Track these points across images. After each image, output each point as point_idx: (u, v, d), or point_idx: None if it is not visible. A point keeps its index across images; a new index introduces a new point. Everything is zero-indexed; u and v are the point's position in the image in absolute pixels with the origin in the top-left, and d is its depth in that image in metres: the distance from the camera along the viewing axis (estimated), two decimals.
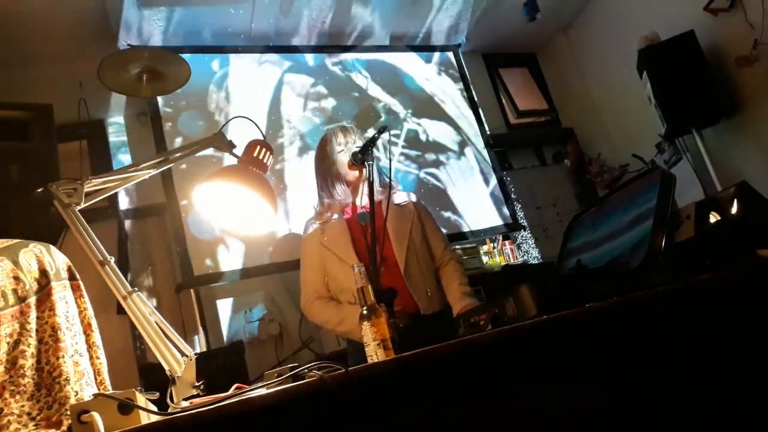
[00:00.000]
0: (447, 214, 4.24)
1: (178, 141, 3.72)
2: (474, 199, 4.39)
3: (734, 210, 1.58)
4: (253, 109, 3.99)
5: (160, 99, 3.73)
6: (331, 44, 4.41)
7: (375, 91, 4.43)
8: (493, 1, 4.48)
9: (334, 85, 4.30)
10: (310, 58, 4.32)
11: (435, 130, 4.50)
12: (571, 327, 1.29)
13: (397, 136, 4.34)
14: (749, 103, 3.77)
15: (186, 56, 2.28)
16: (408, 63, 4.69)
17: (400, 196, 2.58)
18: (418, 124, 4.47)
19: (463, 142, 4.58)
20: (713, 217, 1.62)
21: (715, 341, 1.40)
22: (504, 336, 1.25)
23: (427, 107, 4.56)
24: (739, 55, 3.73)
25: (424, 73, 4.72)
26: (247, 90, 4.03)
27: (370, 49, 4.55)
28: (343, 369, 1.07)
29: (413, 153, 4.36)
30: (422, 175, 4.31)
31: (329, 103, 4.23)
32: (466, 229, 4.26)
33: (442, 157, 4.43)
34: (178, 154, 1.72)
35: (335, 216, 2.46)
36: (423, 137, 4.44)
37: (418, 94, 4.58)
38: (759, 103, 3.72)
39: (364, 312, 1.46)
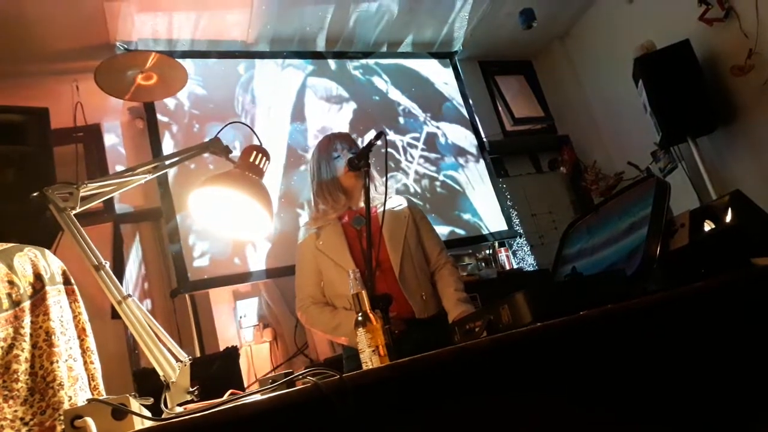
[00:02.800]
0: (443, 220, 4.24)
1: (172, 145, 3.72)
2: (470, 206, 4.39)
3: (728, 218, 1.59)
4: (252, 114, 3.99)
5: (156, 103, 3.73)
6: (327, 50, 4.43)
7: (375, 96, 4.44)
8: (490, 9, 4.50)
9: (335, 90, 4.31)
10: (310, 63, 4.33)
11: (430, 137, 4.51)
12: (565, 334, 1.29)
13: (393, 144, 4.34)
14: (744, 112, 3.80)
15: (183, 61, 2.28)
16: (406, 68, 4.71)
17: (395, 201, 2.58)
18: (416, 130, 4.48)
19: (459, 149, 4.59)
20: (707, 226, 1.63)
21: (709, 349, 1.40)
22: (499, 343, 1.25)
23: (421, 114, 4.57)
24: (734, 65, 3.75)
25: (421, 78, 4.73)
26: (246, 94, 4.03)
27: (366, 55, 4.56)
28: (338, 375, 1.07)
29: (411, 159, 4.36)
30: (419, 181, 4.32)
31: (330, 109, 4.24)
32: (462, 236, 4.26)
33: (438, 164, 4.44)
34: (173, 159, 1.71)
35: (331, 221, 2.45)
36: (418, 144, 4.45)
37: (416, 100, 4.59)
38: (753, 111, 3.74)
39: (359, 318, 1.46)
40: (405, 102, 4.54)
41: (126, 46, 3.72)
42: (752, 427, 1.36)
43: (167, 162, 1.70)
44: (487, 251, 4.24)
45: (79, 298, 1.43)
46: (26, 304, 1.27)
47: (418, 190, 4.27)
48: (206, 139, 1.79)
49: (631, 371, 1.31)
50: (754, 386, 1.39)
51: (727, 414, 1.35)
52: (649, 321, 1.37)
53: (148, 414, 1.09)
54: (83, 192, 1.44)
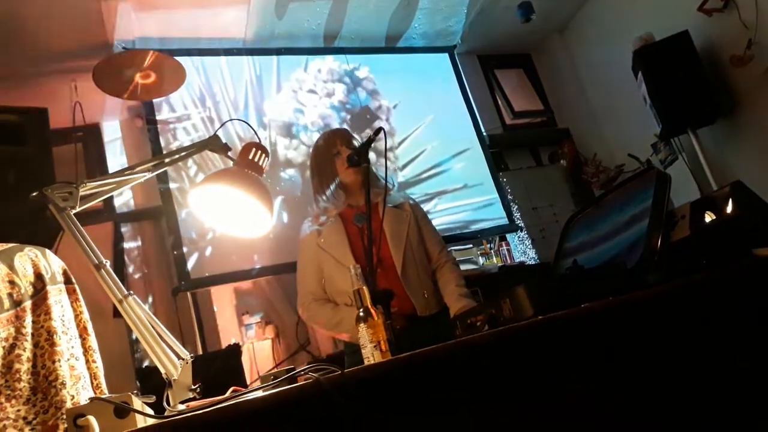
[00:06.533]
0: (443, 214, 4.24)
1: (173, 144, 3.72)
2: (470, 200, 4.39)
3: (729, 209, 1.58)
4: (249, 111, 3.99)
5: (155, 102, 3.73)
6: (324, 46, 4.42)
7: (369, 91, 4.44)
8: (489, 3, 4.49)
9: (329, 85, 4.31)
10: (304, 59, 4.33)
11: (430, 132, 4.50)
12: (566, 327, 1.29)
13: (393, 138, 4.34)
14: (744, 103, 3.79)
15: (181, 59, 2.28)
16: (402, 62, 4.70)
17: (396, 198, 2.58)
18: (413, 126, 4.47)
19: (459, 143, 4.58)
20: (708, 217, 1.62)
21: (711, 341, 1.40)
22: (500, 337, 1.25)
23: (423, 108, 4.57)
24: (733, 55, 3.74)
25: (419, 73, 4.72)
26: (241, 91, 4.03)
27: (364, 51, 4.56)
28: (339, 371, 1.07)
29: (409, 154, 4.36)
30: (418, 175, 4.32)
31: (324, 104, 4.24)
32: (463, 230, 4.26)
33: (438, 159, 4.43)
34: (173, 157, 1.71)
35: (332, 218, 2.45)
36: (418, 139, 4.45)
37: (413, 95, 4.58)
38: (753, 102, 3.73)
39: (361, 314, 1.46)
40: (403, 97, 4.53)
41: (124, 45, 3.71)
42: (759, 425, 1.35)
43: (167, 160, 1.70)
44: (489, 245, 4.24)
45: (80, 297, 1.43)
46: (27, 304, 1.27)
47: (417, 186, 4.27)
48: (205, 137, 1.79)
49: (633, 364, 1.31)
50: (758, 380, 1.39)
51: (732, 409, 1.35)
52: (650, 313, 1.37)
53: (151, 412, 1.10)
54: (83, 191, 1.44)
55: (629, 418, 1.29)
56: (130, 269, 3.67)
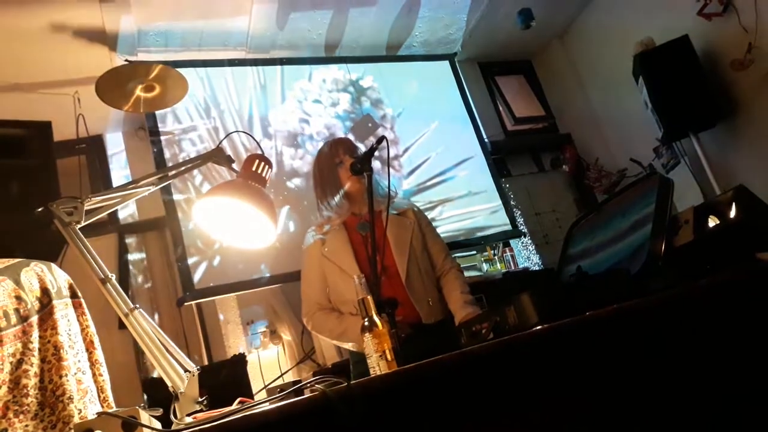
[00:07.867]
0: (447, 222, 4.24)
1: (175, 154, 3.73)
2: (474, 207, 4.39)
3: (732, 214, 1.59)
4: (254, 121, 4.00)
5: (160, 113, 3.74)
6: (325, 55, 4.44)
7: (373, 100, 4.45)
8: (488, 10, 4.51)
9: (334, 95, 4.32)
10: (308, 69, 4.34)
11: (433, 140, 4.51)
12: (571, 335, 1.29)
13: (398, 147, 4.35)
14: (745, 106, 3.79)
15: (183, 70, 2.29)
16: (404, 71, 4.71)
17: (400, 204, 2.58)
18: (415, 133, 4.48)
19: (462, 150, 4.59)
20: (712, 221, 1.63)
21: (715, 346, 1.40)
22: (505, 346, 1.25)
23: (426, 116, 4.57)
24: (734, 59, 3.75)
25: (420, 81, 4.73)
26: (246, 102, 4.04)
27: (366, 59, 4.57)
28: (345, 383, 1.07)
29: (412, 162, 4.37)
30: (422, 184, 4.32)
31: (329, 113, 4.25)
32: (466, 236, 4.26)
33: (441, 166, 4.43)
34: (177, 170, 1.72)
35: (336, 227, 2.46)
36: (422, 147, 4.45)
37: (415, 103, 4.59)
38: (755, 106, 3.73)
39: (366, 323, 1.46)
40: (405, 105, 4.54)
41: (127, 58, 3.73)
42: (760, 425, 1.35)
43: (171, 173, 1.71)
44: (493, 251, 4.24)
45: (86, 311, 1.43)
46: (34, 319, 1.27)
47: (422, 194, 4.28)
48: (211, 147, 1.80)
49: (638, 370, 1.31)
50: (763, 386, 1.39)
51: (737, 415, 1.35)
52: (655, 320, 1.37)
53: (158, 426, 1.10)
54: (87, 206, 1.45)
55: (636, 423, 1.28)
56: (135, 280, 3.67)
